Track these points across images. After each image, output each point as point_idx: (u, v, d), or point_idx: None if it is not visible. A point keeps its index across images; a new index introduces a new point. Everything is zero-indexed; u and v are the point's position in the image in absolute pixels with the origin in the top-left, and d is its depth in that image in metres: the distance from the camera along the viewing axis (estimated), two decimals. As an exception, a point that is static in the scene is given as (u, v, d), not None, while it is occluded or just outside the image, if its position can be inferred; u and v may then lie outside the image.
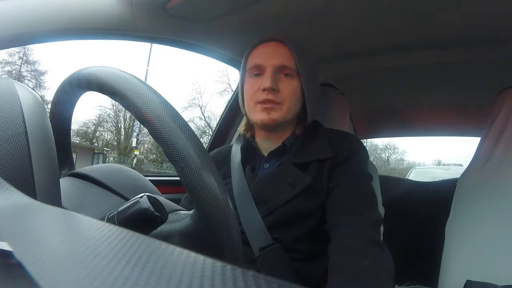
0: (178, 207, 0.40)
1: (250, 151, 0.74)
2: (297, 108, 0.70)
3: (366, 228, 0.58)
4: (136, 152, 14.02)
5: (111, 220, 0.32)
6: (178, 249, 0.13)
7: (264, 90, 0.66)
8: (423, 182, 1.77)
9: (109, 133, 15.57)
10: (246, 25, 0.84)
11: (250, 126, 0.76)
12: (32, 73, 13.35)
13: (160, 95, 0.32)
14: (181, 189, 0.99)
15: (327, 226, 0.61)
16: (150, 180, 0.45)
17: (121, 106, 0.35)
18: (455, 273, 0.72)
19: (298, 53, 0.68)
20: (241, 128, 0.77)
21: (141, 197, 0.32)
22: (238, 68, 0.77)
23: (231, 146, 0.79)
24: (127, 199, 0.35)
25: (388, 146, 19.91)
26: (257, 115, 0.68)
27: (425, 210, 1.34)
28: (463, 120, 1.57)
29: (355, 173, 0.66)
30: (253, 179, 0.69)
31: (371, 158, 0.81)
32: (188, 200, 0.75)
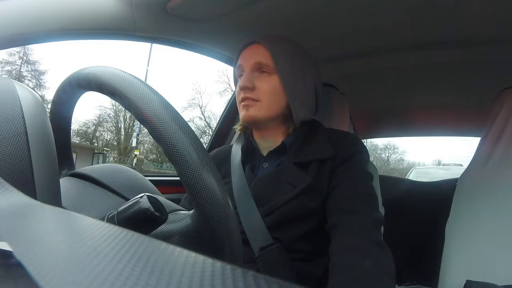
0: (178, 207, 0.40)
1: (250, 150, 0.74)
2: (280, 105, 0.69)
3: (367, 228, 0.58)
4: (136, 152, 14.02)
5: (111, 220, 0.32)
6: (178, 249, 0.13)
7: (241, 89, 0.68)
8: (423, 182, 1.77)
9: (109, 133, 15.60)
10: (246, 25, 0.84)
11: (245, 126, 0.77)
12: (32, 73, 13.37)
13: (160, 95, 0.32)
14: (181, 189, 0.99)
15: (328, 226, 0.61)
16: (150, 180, 0.45)
17: (121, 106, 0.35)
18: (455, 273, 0.72)
19: (274, 50, 0.69)
20: (237, 127, 0.77)
21: (141, 197, 0.32)
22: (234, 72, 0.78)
23: (231, 146, 0.79)
24: (127, 199, 0.35)
25: (388, 146, 19.94)
26: (240, 114, 0.70)
27: (425, 210, 1.34)
28: (463, 120, 1.57)
29: (355, 173, 0.66)
30: (253, 179, 0.69)
31: (371, 158, 0.81)
32: (188, 200, 0.75)
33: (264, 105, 0.68)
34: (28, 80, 13.11)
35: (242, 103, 0.69)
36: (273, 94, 0.68)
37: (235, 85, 0.76)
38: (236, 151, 0.75)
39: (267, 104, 0.68)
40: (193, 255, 0.12)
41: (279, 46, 0.70)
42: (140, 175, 0.45)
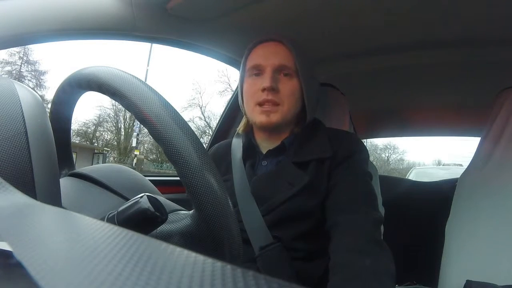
0: (178, 207, 0.40)
1: (250, 148, 0.74)
2: (297, 108, 0.70)
3: (367, 227, 0.58)
4: (136, 152, 14.01)
5: (111, 220, 0.32)
6: (178, 249, 0.13)
7: (263, 90, 0.66)
8: (423, 182, 1.77)
9: (109, 133, 15.59)
10: (246, 25, 0.84)
11: (249, 126, 0.76)
12: (33, 73, 13.36)
13: (160, 95, 0.32)
14: (181, 189, 0.99)
15: (328, 225, 0.61)
16: (150, 180, 0.45)
17: (121, 106, 0.35)
18: (455, 273, 0.72)
19: (297, 52, 0.68)
20: (239, 128, 0.77)
21: (141, 197, 0.32)
22: (238, 68, 0.77)
23: (231, 140, 0.79)
24: (127, 199, 0.35)
25: (388, 146, 19.91)
26: (257, 117, 0.68)
27: (425, 210, 1.34)
28: (463, 120, 1.57)
29: (355, 172, 0.66)
30: (252, 177, 0.69)
31: (371, 158, 0.81)
32: None
33: (285, 109, 0.67)
34: (28, 80, 13.11)
35: (261, 107, 0.66)
36: (293, 98, 0.68)
37: (242, 82, 0.73)
38: (237, 147, 0.75)
39: (288, 107, 0.67)
40: (193, 255, 0.12)
41: (298, 48, 0.69)
42: (140, 175, 0.45)
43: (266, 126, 0.68)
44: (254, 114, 0.68)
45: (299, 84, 0.68)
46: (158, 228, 0.34)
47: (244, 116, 0.75)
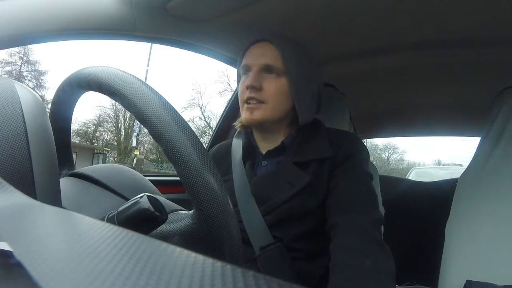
0: (178, 207, 0.40)
1: (250, 148, 0.74)
2: (286, 108, 0.69)
3: (367, 227, 0.58)
4: (136, 152, 14.02)
5: (111, 220, 0.32)
6: (178, 249, 0.13)
7: (247, 88, 0.67)
8: (423, 182, 1.77)
9: (109, 133, 15.59)
10: (246, 25, 0.84)
11: (245, 126, 0.76)
12: (33, 73, 13.36)
13: (160, 95, 0.32)
14: (181, 189, 0.99)
15: (328, 226, 0.61)
16: (150, 180, 0.45)
17: (121, 106, 0.35)
18: (455, 273, 0.72)
19: (285, 52, 0.68)
20: (236, 125, 0.77)
21: (141, 197, 0.32)
22: (238, 68, 0.77)
23: (232, 141, 0.79)
24: (127, 199, 0.35)
25: (388, 146, 19.93)
26: (243, 115, 0.69)
27: (425, 210, 1.34)
28: (463, 120, 1.57)
29: (355, 173, 0.66)
30: (252, 177, 0.69)
31: (371, 158, 0.81)
32: None
33: (270, 107, 0.67)
34: (28, 80, 13.11)
35: (246, 105, 0.67)
36: (280, 96, 0.67)
37: (238, 82, 0.75)
38: (237, 147, 0.75)
39: (273, 106, 0.67)
40: (193, 255, 0.12)
41: (290, 48, 0.69)
42: (140, 175, 0.45)
43: (250, 123, 0.69)
44: (242, 112, 0.69)
45: (288, 83, 0.68)
46: (158, 228, 0.34)
47: None
